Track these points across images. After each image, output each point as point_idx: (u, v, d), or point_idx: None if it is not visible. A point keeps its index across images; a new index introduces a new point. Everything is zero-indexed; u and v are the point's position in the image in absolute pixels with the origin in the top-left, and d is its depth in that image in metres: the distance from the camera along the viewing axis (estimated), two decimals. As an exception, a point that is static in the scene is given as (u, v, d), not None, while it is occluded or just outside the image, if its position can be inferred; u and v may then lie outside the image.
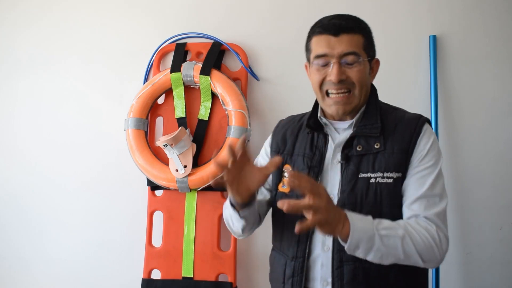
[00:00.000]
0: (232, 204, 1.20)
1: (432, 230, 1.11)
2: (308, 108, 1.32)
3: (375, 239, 1.02)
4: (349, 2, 1.98)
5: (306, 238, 1.18)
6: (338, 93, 1.18)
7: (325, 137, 1.24)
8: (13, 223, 2.20)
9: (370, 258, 1.04)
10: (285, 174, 1.26)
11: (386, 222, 1.07)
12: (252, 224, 1.27)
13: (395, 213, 1.13)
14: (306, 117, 1.31)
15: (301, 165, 1.24)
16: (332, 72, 1.16)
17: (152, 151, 1.99)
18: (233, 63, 2.04)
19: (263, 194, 1.35)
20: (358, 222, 1.02)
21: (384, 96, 1.93)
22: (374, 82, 1.93)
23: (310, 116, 1.28)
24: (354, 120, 1.22)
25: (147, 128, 2.03)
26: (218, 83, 1.93)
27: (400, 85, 1.96)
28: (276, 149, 1.32)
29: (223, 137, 1.96)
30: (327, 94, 1.20)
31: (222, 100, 1.94)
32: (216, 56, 1.98)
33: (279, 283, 1.24)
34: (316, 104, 1.30)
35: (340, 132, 1.24)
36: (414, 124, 1.19)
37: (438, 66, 1.91)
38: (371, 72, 1.24)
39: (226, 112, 1.94)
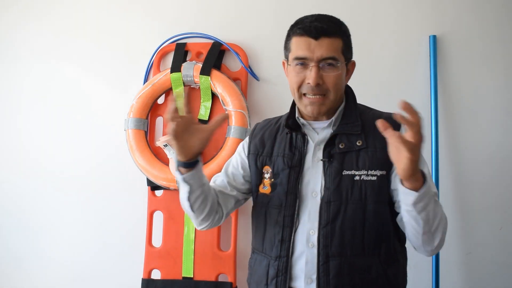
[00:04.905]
0: (178, 170, 1.19)
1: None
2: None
3: (432, 200, 1.07)
4: (349, 2, 1.98)
5: (290, 237, 1.21)
6: (314, 95, 1.20)
7: (304, 136, 1.26)
8: (11, 222, 2.20)
9: (421, 215, 1.07)
10: (265, 175, 1.28)
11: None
12: (203, 202, 1.23)
13: (380, 210, 1.17)
14: (283, 119, 1.34)
15: (282, 165, 1.26)
16: (311, 76, 1.18)
17: (152, 151, 1.99)
18: (233, 63, 2.04)
19: (232, 190, 1.35)
20: (429, 180, 1.06)
21: (384, 96, 1.95)
22: (376, 82, 1.95)
23: (289, 116, 1.30)
24: (333, 118, 1.25)
25: (147, 128, 2.03)
26: (218, 83, 1.93)
27: (400, 85, 1.96)
28: (254, 152, 1.34)
29: (223, 137, 1.96)
30: (304, 94, 1.22)
31: (222, 100, 1.94)
32: (216, 56, 1.98)
33: (261, 285, 1.25)
34: (293, 105, 1.32)
35: (318, 132, 1.27)
36: (392, 123, 1.21)
37: (438, 66, 1.91)
38: (347, 73, 1.27)
39: (226, 112, 1.94)
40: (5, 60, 2.23)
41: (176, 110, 1.11)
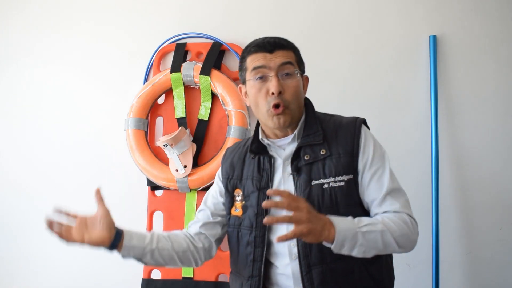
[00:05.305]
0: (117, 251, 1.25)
1: (405, 218, 1.18)
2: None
3: (358, 236, 1.09)
4: (349, 3, 1.98)
5: (261, 257, 1.24)
6: (277, 105, 1.22)
7: (270, 158, 1.29)
8: (13, 222, 2.20)
9: (354, 253, 1.11)
10: (237, 198, 1.32)
11: (365, 220, 1.15)
12: (165, 254, 1.28)
13: (352, 212, 1.18)
14: (250, 141, 1.35)
15: (251, 188, 1.29)
16: (272, 84, 1.21)
17: (152, 151, 1.99)
18: (233, 63, 2.04)
19: (215, 218, 1.38)
20: (342, 223, 1.09)
21: (384, 96, 1.95)
22: (376, 82, 1.95)
23: (253, 141, 1.33)
24: (295, 132, 1.27)
25: (147, 128, 2.03)
26: (218, 83, 1.93)
27: (400, 85, 1.96)
28: (226, 176, 1.37)
29: (223, 137, 1.96)
30: (269, 108, 1.24)
31: (222, 100, 1.94)
32: (216, 56, 1.98)
33: None
34: (256, 128, 1.34)
35: (285, 148, 1.29)
36: (352, 127, 1.26)
37: (438, 66, 1.92)
38: (303, 87, 1.31)
39: (226, 112, 1.94)
40: (3, 62, 2.23)
41: (59, 229, 1.18)
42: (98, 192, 1.24)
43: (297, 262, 1.20)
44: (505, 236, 1.89)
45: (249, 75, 1.26)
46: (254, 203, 1.27)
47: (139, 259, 1.26)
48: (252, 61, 1.25)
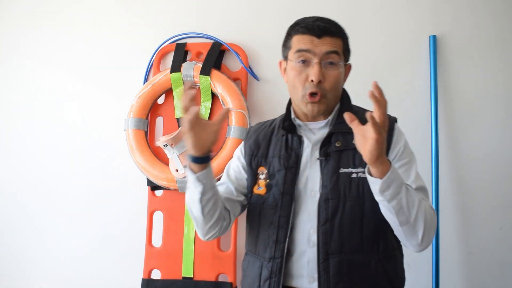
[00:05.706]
0: (191, 169, 1.16)
1: (434, 214, 1.15)
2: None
3: (402, 188, 1.07)
4: (349, 2, 1.98)
5: (284, 238, 1.20)
6: (314, 94, 1.21)
7: (300, 138, 1.27)
8: (13, 223, 2.20)
9: (392, 204, 1.06)
10: (260, 176, 1.29)
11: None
12: (214, 206, 1.20)
13: (377, 206, 1.15)
14: (278, 120, 1.34)
15: (278, 166, 1.26)
16: (314, 72, 1.19)
17: (152, 151, 1.99)
18: (233, 63, 2.04)
19: (238, 196, 1.33)
20: (395, 169, 1.07)
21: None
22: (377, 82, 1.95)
23: (285, 118, 1.31)
24: (329, 118, 1.26)
25: (147, 128, 2.03)
26: (218, 83, 1.93)
27: (400, 85, 1.96)
28: (250, 153, 1.34)
29: (223, 137, 1.96)
30: (305, 93, 1.22)
31: (222, 100, 1.94)
32: (216, 56, 1.98)
33: (254, 287, 1.24)
34: (288, 107, 1.32)
35: (315, 132, 1.28)
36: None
37: (438, 66, 1.91)
38: (344, 76, 1.29)
39: (227, 107, 1.93)
40: (2, 61, 2.24)
41: (193, 99, 1.07)
42: (227, 110, 1.18)
43: (314, 250, 1.17)
44: (505, 236, 1.89)
45: (291, 55, 1.23)
46: (280, 182, 1.23)
47: (203, 191, 1.15)
48: (298, 42, 1.22)
